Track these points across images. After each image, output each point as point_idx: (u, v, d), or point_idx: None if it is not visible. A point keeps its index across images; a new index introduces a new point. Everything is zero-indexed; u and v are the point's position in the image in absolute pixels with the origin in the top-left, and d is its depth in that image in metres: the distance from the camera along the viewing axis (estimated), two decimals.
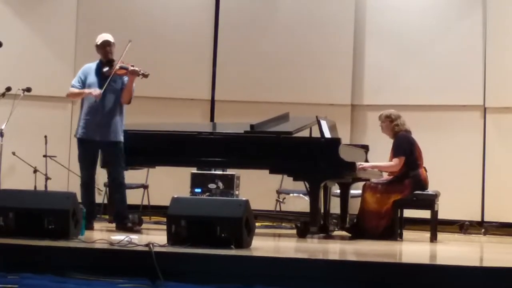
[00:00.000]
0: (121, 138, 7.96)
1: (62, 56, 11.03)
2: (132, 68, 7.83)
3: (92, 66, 8.02)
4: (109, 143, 7.87)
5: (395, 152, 8.27)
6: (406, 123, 8.40)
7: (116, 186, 7.94)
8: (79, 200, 7.98)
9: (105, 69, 7.88)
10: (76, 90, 7.96)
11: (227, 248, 5.88)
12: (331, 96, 10.99)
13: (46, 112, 10.87)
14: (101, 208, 9.65)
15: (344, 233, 8.50)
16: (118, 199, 7.91)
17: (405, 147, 8.25)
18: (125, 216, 7.89)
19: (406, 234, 8.59)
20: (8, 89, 9.16)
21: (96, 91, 7.79)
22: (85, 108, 7.93)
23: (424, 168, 8.31)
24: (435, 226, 8.29)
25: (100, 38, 7.98)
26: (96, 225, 8.05)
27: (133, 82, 7.89)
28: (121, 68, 7.86)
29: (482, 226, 10.27)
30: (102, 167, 8.13)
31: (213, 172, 9.80)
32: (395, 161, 8.23)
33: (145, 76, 7.86)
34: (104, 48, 7.93)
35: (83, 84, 7.95)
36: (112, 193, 8.08)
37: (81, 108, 8.01)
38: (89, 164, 7.95)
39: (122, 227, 7.72)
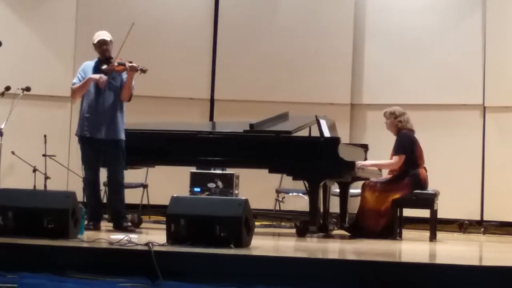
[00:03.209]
0: (123, 136, 7.89)
1: (61, 56, 11.03)
2: (130, 64, 7.78)
3: (90, 64, 7.97)
4: (111, 141, 7.80)
5: (396, 150, 8.27)
6: (410, 121, 8.40)
7: (115, 186, 7.87)
8: (83, 200, 7.99)
9: (104, 66, 7.83)
10: (79, 84, 7.84)
11: (226, 248, 5.88)
12: (330, 95, 10.99)
13: (46, 112, 10.87)
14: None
15: (343, 232, 8.50)
16: (116, 199, 7.84)
17: (406, 146, 8.25)
18: (123, 216, 7.84)
19: (406, 233, 8.60)
20: (8, 88, 9.16)
21: (103, 77, 7.72)
22: (84, 106, 7.87)
23: (425, 168, 8.31)
24: (435, 225, 8.29)
25: (97, 37, 7.93)
26: None
27: (132, 78, 7.82)
28: (119, 64, 7.79)
29: (481, 225, 10.28)
30: (102, 166, 8.08)
31: (212, 171, 9.81)
32: (395, 158, 8.23)
33: (143, 71, 7.78)
34: (101, 46, 7.88)
35: None
36: (111, 193, 7.99)
37: (81, 107, 7.95)
38: (93, 163, 7.85)
39: (119, 227, 7.69)
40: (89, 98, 7.84)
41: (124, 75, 7.87)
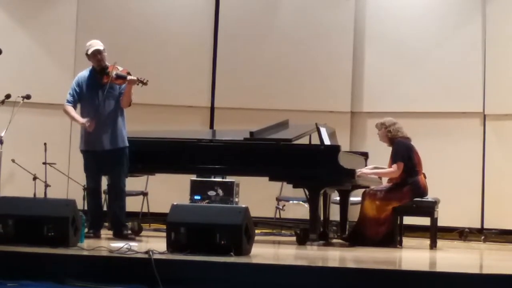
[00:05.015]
0: (126, 142, 7.88)
1: (61, 64, 11.02)
2: (130, 77, 7.72)
3: (85, 74, 7.91)
4: (115, 150, 7.80)
5: (394, 159, 8.27)
6: (402, 129, 8.39)
7: (117, 193, 7.85)
8: (84, 208, 7.98)
9: (100, 77, 7.78)
10: (71, 112, 7.85)
11: (226, 256, 5.87)
12: (330, 103, 10.99)
13: (46, 120, 10.86)
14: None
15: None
16: (117, 206, 7.82)
17: (403, 153, 8.24)
18: (123, 224, 7.83)
19: (406, 241, 8.59)
20: (8, 96, 9.15)
21: (89, 122, 7.68)
22: (84, 119, 7.85)
23: (424, 174, 8.31)
24: (435, 233, 8.29)
25: (90, 47, 7.80)
26: None
27: (131, 89, 7.81)
28: (118, 77, 7.73)
29: (481, 233, 10.26)
30: (104, 174, 8.04)
31: (212, 179, 9.80)
32: (395, 167, 8.22)
33: (144, 83, 7.73)
34: (96, 56, 7.78)
35: (79, 96, 7.86)
36: (112, 200, 7.97)
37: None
38: (95, 171, 7.85)
39: (120, 235, 7.68)
40: (87, 110, 7.80)
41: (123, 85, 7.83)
